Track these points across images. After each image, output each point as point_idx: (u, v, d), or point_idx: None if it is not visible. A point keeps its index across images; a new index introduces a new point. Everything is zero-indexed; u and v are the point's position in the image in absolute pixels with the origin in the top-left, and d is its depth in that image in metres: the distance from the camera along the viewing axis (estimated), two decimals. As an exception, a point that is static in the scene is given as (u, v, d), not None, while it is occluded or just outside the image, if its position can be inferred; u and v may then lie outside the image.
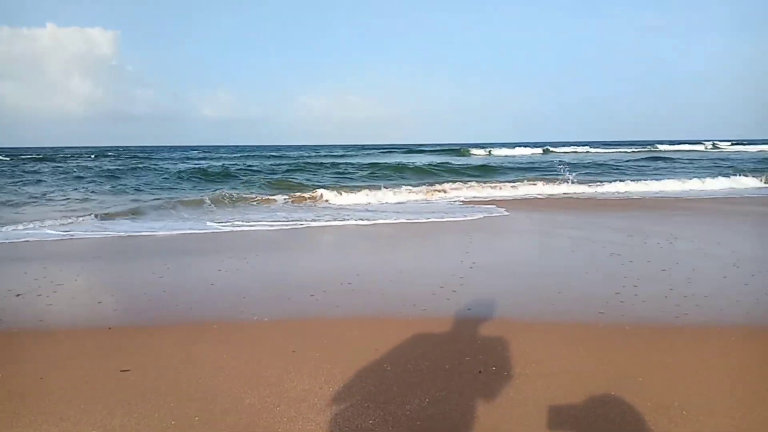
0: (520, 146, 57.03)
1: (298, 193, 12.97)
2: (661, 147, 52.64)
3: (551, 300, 4.32)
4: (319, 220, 9.19)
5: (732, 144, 59.94)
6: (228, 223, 8.89)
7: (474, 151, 46.17)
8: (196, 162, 30.01)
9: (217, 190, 14.20)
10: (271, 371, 3.06)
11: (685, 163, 27.77)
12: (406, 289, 4.71)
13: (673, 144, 59.49)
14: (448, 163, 25.45)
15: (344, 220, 9.20)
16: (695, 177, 17.01)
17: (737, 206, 10.80)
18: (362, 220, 9.15)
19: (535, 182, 15.75)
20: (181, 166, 25.66)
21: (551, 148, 48.95)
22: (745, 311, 3.94)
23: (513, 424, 2.48)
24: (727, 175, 17.19)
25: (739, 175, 17.23)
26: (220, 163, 27.29)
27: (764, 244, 6.54)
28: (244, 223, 8.87)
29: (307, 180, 18.05)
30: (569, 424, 2.50)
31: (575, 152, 45.10)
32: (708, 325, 3.68)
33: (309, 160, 30.67)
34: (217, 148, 75.47)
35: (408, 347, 3.36)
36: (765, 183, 16.00)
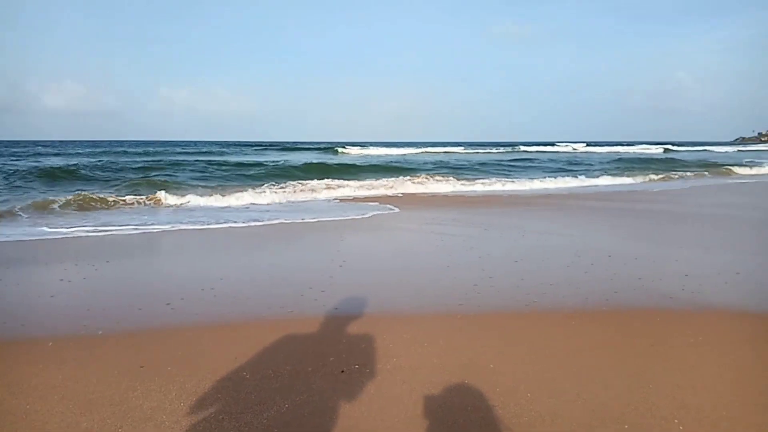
0: (396, 146, 58.83)
1: (157, 194, 12.06)
2: (524, 148, 57.11)
3: (415, 295, 4.44)
4: (180, 224, 8.62)
5: (587, 145, 66.71)
6: (78, 228, 8.01)
7: (350, 149, 46.66)
8: (41, 160, 26.73)
9: (69, 191, 12.77)
10: (115, 390, 2.78)
11: (547, 163, 30.31)
12: (274, 291, 4.58)
13: (534, 145, 64.83)
14: (323, 163, 25.37)
15: (208, 223, 8.74)
16: (567, 175, 18.82)
17: (583, 201, 12.02)
18: (229, 222, 8.76)
19: (423, 181, 16.27)
20: (24, 164, 22.70)
21: (428, 149, 51.00)
22: (584, 298, 4.34)
23: (373, 421, 2.49)
24: (576, 174, 19.19)
25: (588, 174, 19.30)
26: (73, 162, 24.64)
27: (601, 236, 7.33)
28: (97, 228, 8.05)
29: (167, 179, 16.86)
30: (427, 415, 2.56)
31: (449, 152, 47.36)
32: (552, 312, 4.01)
33: (172, 158, 28.78)
34: (66, 143, 67.86)
35: (271, 352, 3.25)
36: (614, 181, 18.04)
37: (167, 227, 8.14)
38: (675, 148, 59.51)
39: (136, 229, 8.01)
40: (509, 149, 53.30)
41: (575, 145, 62.99)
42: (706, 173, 22.06)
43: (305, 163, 23.98)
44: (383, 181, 16.04)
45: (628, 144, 72.36)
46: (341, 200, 12.38)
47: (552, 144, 65.45)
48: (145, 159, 27.46)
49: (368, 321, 3.79)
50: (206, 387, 2.80)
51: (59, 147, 48.37)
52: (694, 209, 10.46)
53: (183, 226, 8.21)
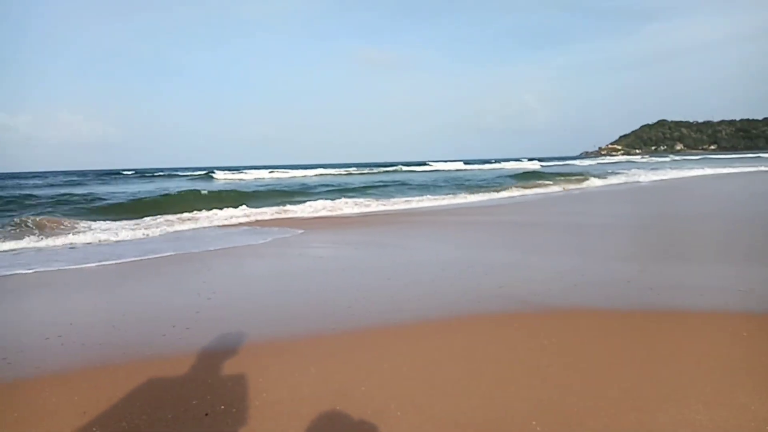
0: (267, 168, 57.81)
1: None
2: (405, 168, 58.72)
3: (287, 323, 4.35)
4: (15, 267, 7.66)
5: (464, 163, 69.93)
6: None
7: (224, 174, 45.11)
8: None
9: None
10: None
11: (430, 182, 30.88)
12: (132, 333, 4.21)
13: (411, 165, 66.65)
14: (196, 191, 23.97)
15: (51, 265, 7.87)
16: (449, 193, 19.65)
17: (456, 217, 12.69)
18: (78, 263, 7.96)
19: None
20: None
21: (304, 171, 50.66)
22: (449, 311, 4.54)
23: (239, 465, 2.36)
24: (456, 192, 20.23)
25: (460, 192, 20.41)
26: None
27: (469, 249, 7.77)
28: None
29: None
30: (296, 449, 2.49)
31: (324, 174, 47.33)
32: (418, 325, 4.14)
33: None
34: None
35: (124, 403, 2.97)
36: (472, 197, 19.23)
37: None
38: (542, 163, 64.51)
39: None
40: (381, 170, 54.72)
41: (453, 164, 65.88)
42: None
43: (165, 195, 21.60)
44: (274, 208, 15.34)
45: (504, 161, 77.38)
46: (224, 227, 11.83)
47: (424, 163, 68.24)
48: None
49: (237, 356, 3.62)
50: (46, 453, 2.47)
51: None
52: (543, 219, 11.51)
53: (20, 270, 7.29)
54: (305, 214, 14.06)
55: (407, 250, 7.66)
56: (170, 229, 11.32)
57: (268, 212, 14.31)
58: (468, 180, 30.73)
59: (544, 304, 4.57)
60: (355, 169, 55.77)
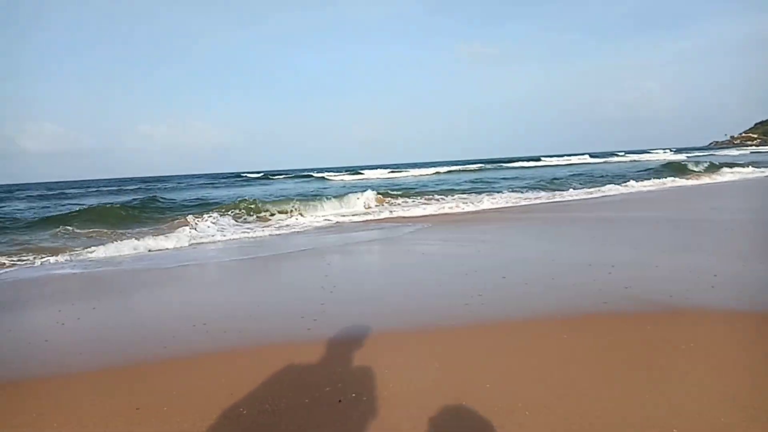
0: (372, 168, 59.02)
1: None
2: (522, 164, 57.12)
3: (405, 315, 4.43)
4: (173, 259, 8.54)
5: (590, 157, 65.90)
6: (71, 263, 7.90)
7: (335, 175, 46.84)
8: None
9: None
10: (111, 436, 2.72)
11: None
12: (266, 323, 4.53)
13: (521, 161, 64.39)
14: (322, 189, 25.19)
15: (194, 260, 8.67)
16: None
17: (567, 213, 12.12)
18: (239, 256, 8.70)
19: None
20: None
21: (415, 171, 50.91)
22: (572, 309, 4.35)
23: (372, 451, 2.46)
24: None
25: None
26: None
27: (591, 246, 7.39)
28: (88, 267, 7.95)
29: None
30: (426, 441, 2.54)
31: (438, 173, 46.38)
32: (542, 322, 4.01)
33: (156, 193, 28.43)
34: (41, 185, 67.03)
35: (266, 386, 3.21)
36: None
37: (166, 264, 8.05)
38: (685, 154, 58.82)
39: (140, 263, 7.91)
40: (494, 166, 53.38)
41: (579, 158, 62.34)
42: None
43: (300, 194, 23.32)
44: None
45: (633, 153, 71.72)
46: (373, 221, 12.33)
47: (537, 159, 65.41)
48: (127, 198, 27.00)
49: (362, 348, 3.74)
50: (203, 426, 2.76)
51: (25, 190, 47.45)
52: (682, 214, 10.62)
53: (174, 263, 8.12)
54: (419, 212, 14.12)
55: (521, 248, 7.46)
56: (296, 228, 12.02)
57: (383, 210, 14.61)
58: (602, 175, 26.04)
59: (677, 306, 4.23)
60: (467, 165, 54.90)
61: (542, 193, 17.92)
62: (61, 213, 16.42)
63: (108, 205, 16.77)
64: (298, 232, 11.31)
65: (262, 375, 3.35)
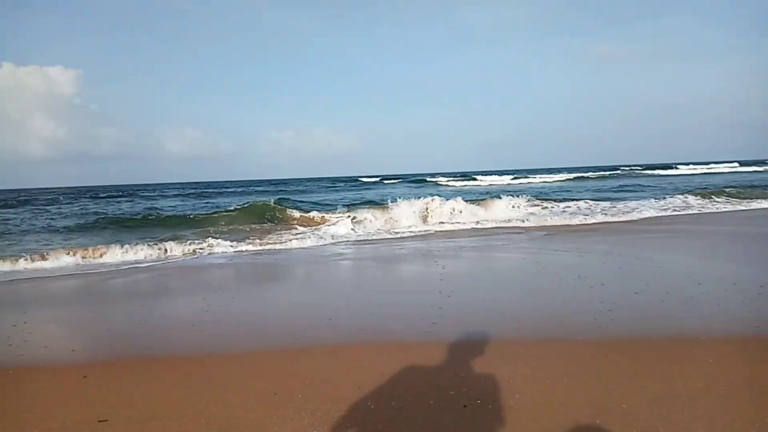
0: (496, 174, 57.89)
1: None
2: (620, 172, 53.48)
3: (528, 324, 4.34)
4: (301, 250, 9.08)
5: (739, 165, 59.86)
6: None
7: (448, 179, 46.76)
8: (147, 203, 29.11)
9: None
10: (254, 415, 2.96)
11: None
12: (387, 322, 4.65)
13: (652, 168, 59.68)
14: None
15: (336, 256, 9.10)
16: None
17: (697, 226, 11.06)
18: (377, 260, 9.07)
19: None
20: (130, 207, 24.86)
21: (527, 176, 49.46)
22: (717, 331, 3.97)
23: (501, 460, 2.43)
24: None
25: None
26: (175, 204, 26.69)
27: (733, 264, 6.69)
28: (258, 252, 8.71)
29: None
30: (557, 456, 2.46)
31: (565, 179, 44.24)
32: (683, 345, 3.70)
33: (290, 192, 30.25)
34: (186, 185, 74.34)
35: (391, 383, 3.29)
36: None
37: (281, 256, 8.58)
38: None
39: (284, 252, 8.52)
40: (604, 173, 49.86)
41: (726, 165, 56.50)
42: None
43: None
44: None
45: None
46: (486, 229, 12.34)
47: (670, 166, 59.95)
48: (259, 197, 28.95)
49: (484, 354, 3.70)
50: (336, 416, 2.89)
51: (179, 188, 52.72)
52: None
53: (310, 250, 8.60)
54: (537, 221, 13.68)
55: (655, 262, 6.92)
56: (405, 233, 12.22)
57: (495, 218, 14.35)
58: (752, 186, 22.90)
59: None
60: (591, 173, 51.90)
61: (677, 203, 16.45)
62: (218, 210, 18.10)
63: (260, 202, 18.11)
64: (410, 236, 11.46)
65: (387, 372, 3.43)
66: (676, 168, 55.83)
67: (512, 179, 44.95)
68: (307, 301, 5.69)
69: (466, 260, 8.00)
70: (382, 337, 4.20)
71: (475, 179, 47.64)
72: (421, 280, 6.66)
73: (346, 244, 10.51)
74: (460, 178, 51.62)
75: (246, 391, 3.29)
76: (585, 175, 48.04)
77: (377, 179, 64.15)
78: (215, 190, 44.41)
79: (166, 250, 9.72)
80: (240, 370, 3.63)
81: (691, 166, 57.55)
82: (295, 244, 10.45)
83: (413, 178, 59.35)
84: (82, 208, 24.02)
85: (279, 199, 21.44)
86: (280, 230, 12.94)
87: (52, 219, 18.32)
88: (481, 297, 5.46)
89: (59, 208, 24.32)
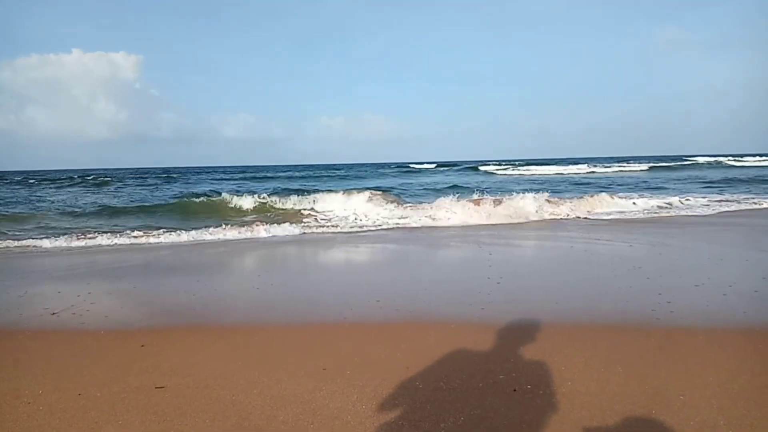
0: (544, 164, 56.57)
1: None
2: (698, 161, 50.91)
3: (579, 312, 4.25)
4: (346, 236, 9.18)
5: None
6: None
7: (498, 167, 46.02)
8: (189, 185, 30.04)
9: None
10: (303, 389, 3.04)
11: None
12: (434, 306, 4.65)
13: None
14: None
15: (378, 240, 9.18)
16: None
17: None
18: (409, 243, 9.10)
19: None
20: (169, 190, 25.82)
21: (596, 166, 47.84)
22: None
23: (552, 445, 2.40)
24: None
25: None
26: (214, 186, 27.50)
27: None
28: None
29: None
30: (610, 444, 2.41)
31: (626, 169, 42.51)
32: (748, 339, 3.54)
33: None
34: (234, 169, 76.54)
35: (439, 365, 3.30)
36: None
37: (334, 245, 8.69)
38: None
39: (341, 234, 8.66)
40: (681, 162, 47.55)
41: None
42: None
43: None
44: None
45: None
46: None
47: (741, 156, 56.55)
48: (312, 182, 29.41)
49: (535, 340, 3.66)
50: (384, 393, 2.93)
51: (229, 173, 54.33)
52: None
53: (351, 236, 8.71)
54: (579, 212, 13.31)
55: (718, 255, 6.61)
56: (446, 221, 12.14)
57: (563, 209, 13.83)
58: None
59: None
60: (655, 163, 49.69)
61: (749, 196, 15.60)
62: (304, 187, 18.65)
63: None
64: (453, 225, 11.38)
65: (435, 353, 3.45)
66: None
67: (588, 169, 43.06)
68: (353, 284, 5.76)
69: (514, 248, 7.88)
70: (430, 318, 4.20)
71: (530, 169, 46.27)
72: (468, 266, 6.60)
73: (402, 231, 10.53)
74: (515, 165, 50.42)
75: (296, 365, 3.38)
76: (659, 165, 45.84)
77: (433, 165, 63.76)
78: (268, 174, 45.47)
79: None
80: (292, 344, 3.73)
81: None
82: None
83: (464, 165, 58.66)
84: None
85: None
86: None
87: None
88: (530, 284, 5.39)
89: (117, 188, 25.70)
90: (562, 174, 39.09)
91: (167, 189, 26.59)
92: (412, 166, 67.01)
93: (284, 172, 52.28)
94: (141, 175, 48.21)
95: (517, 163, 59.72)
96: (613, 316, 4.18)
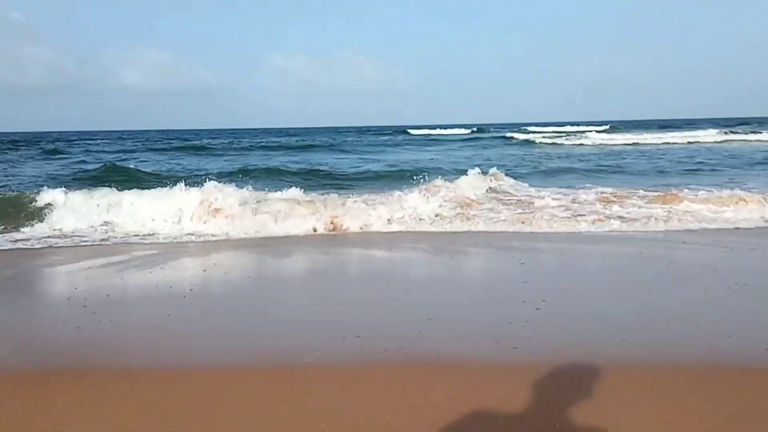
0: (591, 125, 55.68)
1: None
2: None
3: (670, 353, 4.04)
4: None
5: None
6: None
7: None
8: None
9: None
10: None
11: None
12: (445, 342, 4.33)
13: None
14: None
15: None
16: None
17: None
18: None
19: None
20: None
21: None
22: None
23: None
24: None
25: None
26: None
27: None
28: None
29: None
30: None
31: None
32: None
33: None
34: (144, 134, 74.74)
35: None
36: None
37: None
38: None
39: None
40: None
41: None
42: None
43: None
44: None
45: None
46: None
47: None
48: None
49: (593, 394, 3.39)
50: None
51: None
52: None
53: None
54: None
55: None
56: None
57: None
58: None
59: None
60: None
61: None
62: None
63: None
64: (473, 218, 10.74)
65: (442, 414, 3.17)
66: None
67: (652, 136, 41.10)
68: (326, 306, 5.44)
69: (557, 256, 7.65)
70: (436, 360, 3.97)
71: (583, 133, 44.45)
72: (496, 282, 6.37)
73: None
74: (559, 132, 48.58)
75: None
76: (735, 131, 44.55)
77: (442, 130, 62.46)
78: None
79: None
80: (223, 399, 3.41)
81: None
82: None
83: (493, 131, 57.29)
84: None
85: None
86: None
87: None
88: (582, 307, 5.18)
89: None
90: (628, 144, 37.11)
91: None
92: (411, 132, 64.23)
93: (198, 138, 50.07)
94: None
95: (566, 126, 58.12)
96: (709, 355, 3.98)
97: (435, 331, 4.58)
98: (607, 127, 56.44)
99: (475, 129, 66.75)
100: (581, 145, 37.82)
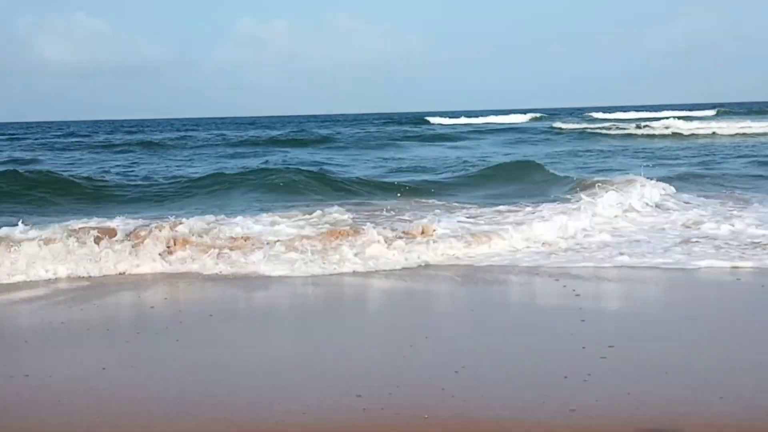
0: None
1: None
2: None
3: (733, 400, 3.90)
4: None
5: None
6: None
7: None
8: None
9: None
10: None
11: None
12: (478, 402, 3.99)
13: None
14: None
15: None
16: None
17: None
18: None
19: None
20: None
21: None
22: None
23: None
24: None
25: None
26: None
27: None
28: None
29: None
30: None
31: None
32: None
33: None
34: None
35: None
36: None
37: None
38: None
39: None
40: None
41: None
42: None
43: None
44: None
45: None
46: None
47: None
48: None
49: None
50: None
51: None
52: None
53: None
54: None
55: None
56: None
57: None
58: None
59: None
60: None
61: None
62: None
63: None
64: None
65: None
66: None
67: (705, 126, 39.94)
68: (317, 355, 5.08)
69: (623, 285, 7.29)
70: (467, 427, 3.70)
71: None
72: (544, 321, 6.00)
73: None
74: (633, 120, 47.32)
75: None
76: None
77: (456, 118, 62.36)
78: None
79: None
80: None
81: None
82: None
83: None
84: None
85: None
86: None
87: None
88: (676, 360, 4.73)
89: None
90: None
91: None
92: (431, 121, 63.28)
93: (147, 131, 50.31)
94: None
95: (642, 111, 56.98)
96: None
97: (464, 388, 4.31)
98: (714, 112, 55.12)
99: (537, 116, 64.52)
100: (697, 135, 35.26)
